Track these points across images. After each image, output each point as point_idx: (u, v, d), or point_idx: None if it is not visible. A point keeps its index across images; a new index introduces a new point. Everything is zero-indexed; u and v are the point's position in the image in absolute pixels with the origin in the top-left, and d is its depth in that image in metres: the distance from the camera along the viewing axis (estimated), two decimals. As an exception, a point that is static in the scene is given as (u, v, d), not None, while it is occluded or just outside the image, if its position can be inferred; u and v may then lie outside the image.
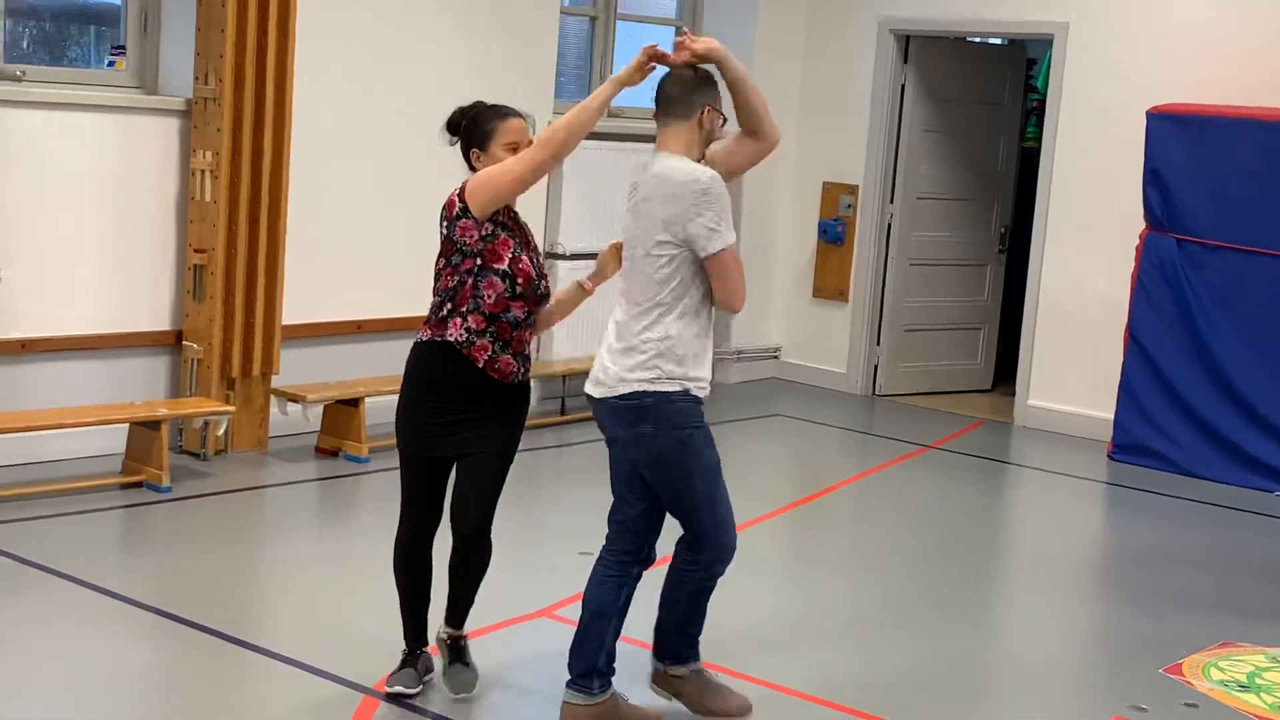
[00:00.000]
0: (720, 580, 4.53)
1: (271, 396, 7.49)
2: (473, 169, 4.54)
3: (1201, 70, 8.69)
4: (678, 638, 4.60)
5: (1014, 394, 9.71)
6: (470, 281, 4.42)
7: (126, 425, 6.82)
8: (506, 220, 4.48)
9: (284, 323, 7.49)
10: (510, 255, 4.43)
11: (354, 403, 7.49)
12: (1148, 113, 8.57)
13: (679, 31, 4.47)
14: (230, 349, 7.26)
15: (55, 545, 5.93)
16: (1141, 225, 8.68)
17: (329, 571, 5.99)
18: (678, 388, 4.32)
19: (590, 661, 4.52)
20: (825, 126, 10.16)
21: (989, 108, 10.41)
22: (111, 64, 7.40)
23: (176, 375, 7.36)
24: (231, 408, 7.13)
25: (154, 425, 6.72)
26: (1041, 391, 9.46)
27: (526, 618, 5.47)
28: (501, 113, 4.55)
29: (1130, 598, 6.48)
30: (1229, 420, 8.43)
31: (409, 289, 8.20)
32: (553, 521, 7.01)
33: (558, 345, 8.94)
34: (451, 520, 4.57)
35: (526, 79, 8.58)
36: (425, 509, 4.65)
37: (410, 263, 8.19)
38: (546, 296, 4.58)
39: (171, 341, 7.33)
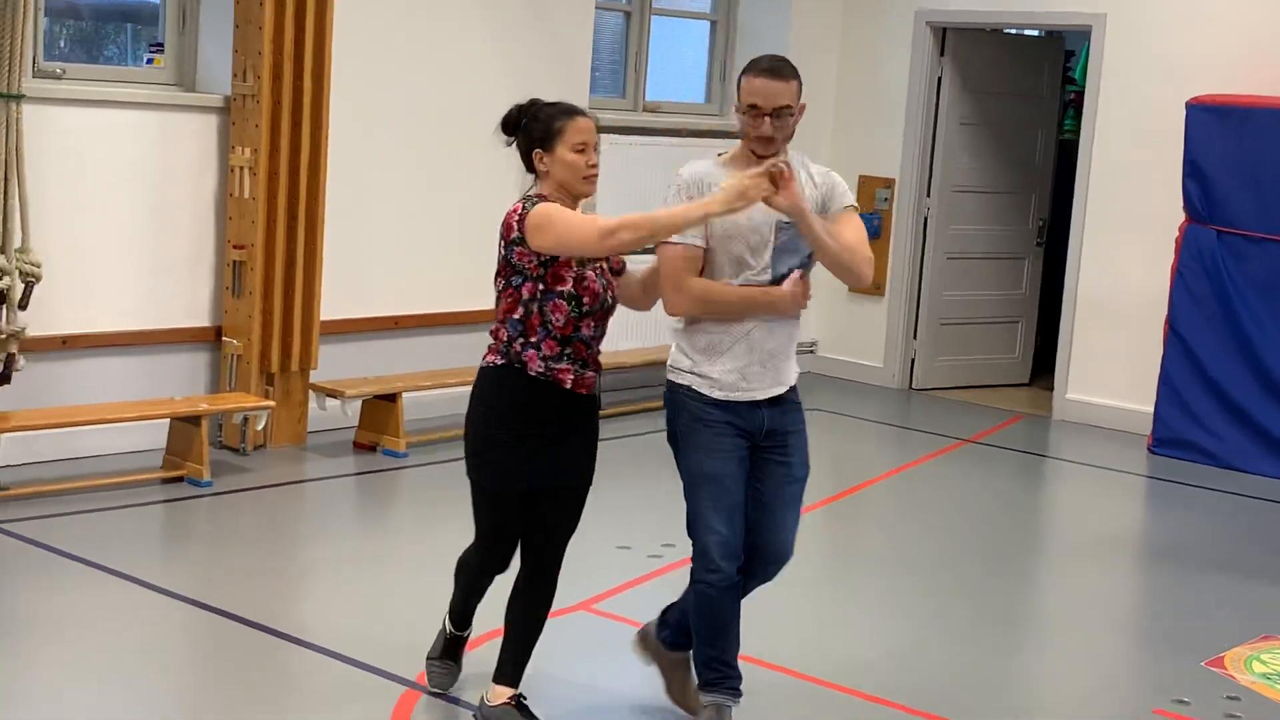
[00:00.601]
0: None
1: (310, 392, 7.52)
2: (532, 170, 4.33)
3: (1242, 60, 8.62)
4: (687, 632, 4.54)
5: (1052, 388, 9.66)
6: (535, 308, 4.20)
7: (167, 421, 6.86)
8: None
9: (322, 318, 7.52)
10: (574, 275, 4.21)
11: (392, 398, 7.50)
12: (1187, 104, 8.52)
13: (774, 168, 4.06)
14: (269, 344, 7.30)
15: (97, 539, 5.97)
16: (1181, 217, 8.62)
17: (370, 566, 6.01)
18: (684, 380, 4.31)
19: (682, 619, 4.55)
20: (861, 119, 10.13)
21: (1026, 100, 10.36)
22: (150, 61, 7.44)
23: (216, 371, 7.39)
24: (271, 403, 7.16)
25: (194, 420, 6.76)
26: (1080, 385, 9.41)
27: (565, 611, 5.47)
28: (568, 110, 4.30)
29: (1171, 591, 6.44)
30: (1271, 413, 8.36)
31: (446, 284, 8.26)
32: (589, 516, 7.01)
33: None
34: (527, 550, 4.40)
35: (561, 74, 8.59)
36: (509, 543, 4.45)
37: (448, 258, 8.25)
38: (614, 306, 4.33)
39: (211, 337, 7.37)
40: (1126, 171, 9.13)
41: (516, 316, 4.23)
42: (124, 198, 7.03)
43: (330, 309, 7.60)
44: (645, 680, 4.79)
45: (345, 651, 4.98)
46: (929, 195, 10.06)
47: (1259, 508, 7.76)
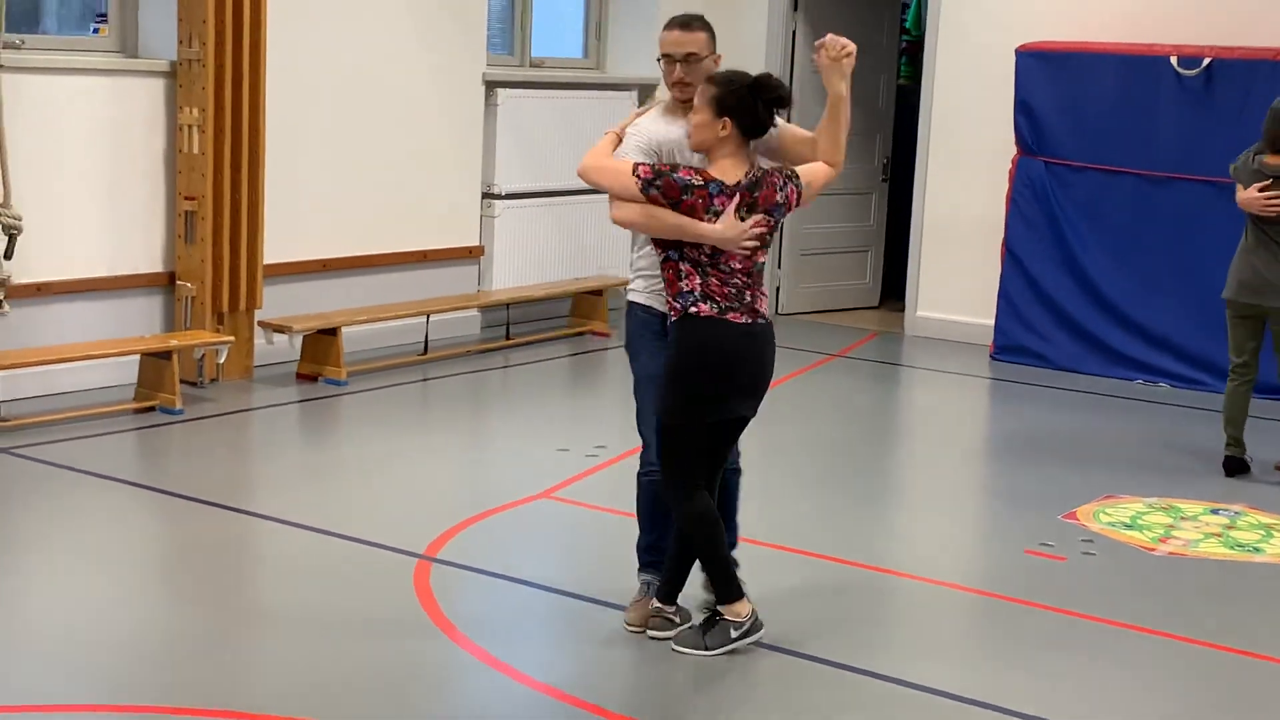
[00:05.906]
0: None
1: (258, 328, 8.27)
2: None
3: (1064, 10, 9.79)
4: None
5: (901, 309, 10.79)
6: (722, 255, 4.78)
7: (133, 357, 7.57)
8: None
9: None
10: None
11: (333, 332, 8.29)
12: (1017, 50, 9.67)
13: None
14: (220, 286, 8.03)
15: (104, 455, 6.74)
16: (1013, 151, 9.79)
17: (352, 468, 6.88)
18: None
19: None
20: (724, 71, 11.07)
21: (869, 49, 11.35)
22: (95, 31, 8.08)
23: (170, 312, 8.09)
24: (231, 338, 7.91)
25: (165, 355, 7.49)
26: (929, 303, 10.55)
27: (532, 499, 6.40)
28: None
29: (1023, 466, 7.55)
30: (1095, 320, 9.61)
31: (371, 229, 9.06)
32: (534, 425, 7.94)
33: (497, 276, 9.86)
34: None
35: (462, 34, 9.42)
36: None
37: (371, 204, 9.05)
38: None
39: (165, 282, 8.07)
40: (963, 111, 10.25)
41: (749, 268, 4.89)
42: (85, 157, 7.69)
43: (268, 253, 8.35)
44: (595, 543, 5.74)
45: (355, 534, 5.84)
46: (788, 138, 11.06)
47: (1088, 400, 8.96)
